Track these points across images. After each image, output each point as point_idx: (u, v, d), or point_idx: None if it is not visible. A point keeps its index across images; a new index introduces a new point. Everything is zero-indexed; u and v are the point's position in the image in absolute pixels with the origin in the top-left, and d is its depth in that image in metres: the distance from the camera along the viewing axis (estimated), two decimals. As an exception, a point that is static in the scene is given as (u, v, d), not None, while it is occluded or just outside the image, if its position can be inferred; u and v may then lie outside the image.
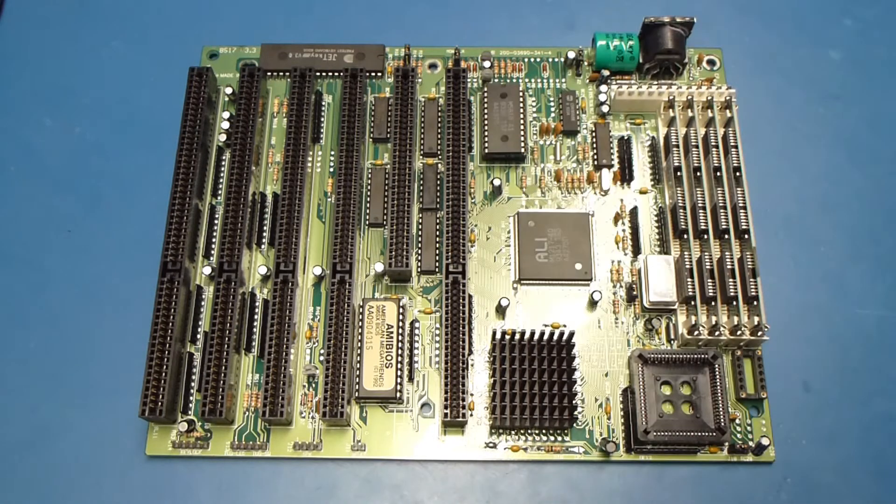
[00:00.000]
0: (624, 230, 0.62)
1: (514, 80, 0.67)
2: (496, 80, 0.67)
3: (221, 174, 0.64)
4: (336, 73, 0.67)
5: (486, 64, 0.66)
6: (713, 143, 0.61)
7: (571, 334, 0.56)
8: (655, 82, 0.66)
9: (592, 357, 0.59)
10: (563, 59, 0.67)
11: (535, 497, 0.56)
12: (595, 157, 0.64)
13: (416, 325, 0.59)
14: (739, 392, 0.57)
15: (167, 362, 0.56)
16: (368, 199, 0.63)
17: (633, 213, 0.63)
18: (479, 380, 0.58)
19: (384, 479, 0.57)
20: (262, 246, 0.62)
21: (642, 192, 0.63)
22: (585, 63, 0.67)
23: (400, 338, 0.58)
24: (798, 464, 0.57)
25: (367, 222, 0.62)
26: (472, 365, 0.58)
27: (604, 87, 0.66)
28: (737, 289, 0.57)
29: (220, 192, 0.63)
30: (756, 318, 0.57)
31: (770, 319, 0.57)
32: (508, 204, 0.63)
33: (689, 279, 0.58)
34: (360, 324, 0.58)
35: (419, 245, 0.61)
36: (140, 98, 0.68)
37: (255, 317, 0.60)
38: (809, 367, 0.60)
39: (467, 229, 0.60)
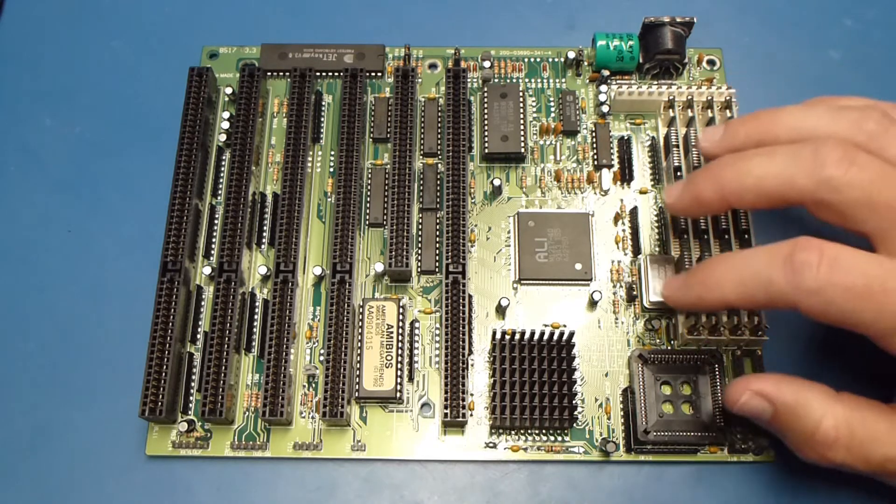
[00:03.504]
0: (624, 230, 0.62)
1: (514, 80, 0.67)
2: (496, 80, 0.67)
3: (221, 174, 0.64)
4: (336, 73, 0.67)
5: (486, 64, 0.66)
6: (713, 143, 0.61)
7: (571, 334, 0.56)
8: (655, 82, 0.66)
9: (592, 357, 0.59)
10: (563, 59, 0.67)
11: (535, 497, 0.56)
12: (595, 157, 0.64)
13: (416, 325, 0.59)
14: (739, 392, 0.57)
15: (167, 362, 0.56)
16: (368, 199, 0.63)
17: (633, 213, 0.63)
18: (479, 380, 0.58)
19: (384, 479, 0.57)
20: (262, 246, 0.62)
21: (642, 192, 0.63)
22: (585, 63, 0.67)
23: (400, 338, 0.58)
24: (798, 464, 0.57)
25: (367, 222, 0.62)
26: (472, 365, 0.58)
27: (604, 87, 0.66)
28: (737, 289, 0.57)
29: (220, 192, 0.63)
30: (756, 318, 0.57)
31: (770, 319, 0.57)
32: (508, 204, 0.63)
33: (689, 279, 0.58)
34: (360, 324, 0.58)
35: (419, 245, 0.61)
36: (140, 98, 0.68)
37: (255, 317, 0.60)
38: (809, 367, 0.60)
39: (467, 229, 0.60)
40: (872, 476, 0.49)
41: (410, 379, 0.58)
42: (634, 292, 0.60)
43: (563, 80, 0.67)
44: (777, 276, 0.46)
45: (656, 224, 0.62)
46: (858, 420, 0.47)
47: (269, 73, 0.67)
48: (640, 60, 0.66)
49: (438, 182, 0.63)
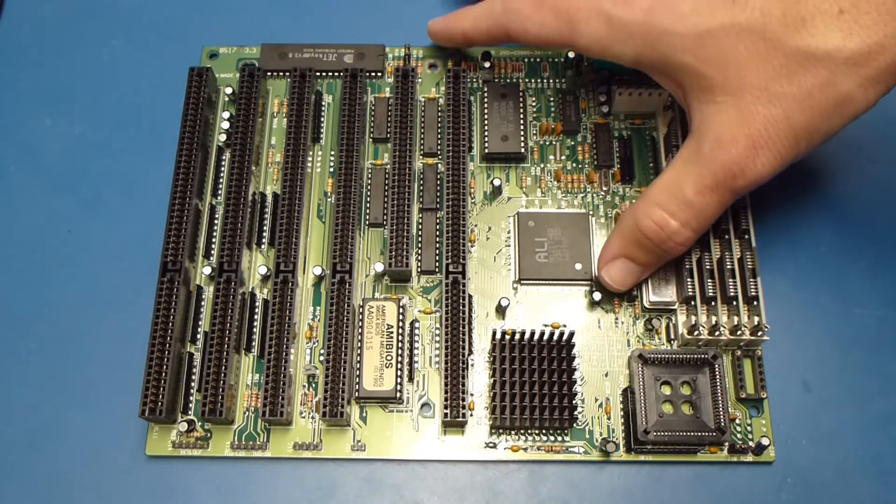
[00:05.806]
0: (624, 230, 0.62)
1: (514, 80, 0.67)
2: (496, 80, 0.67)
3: (221, 174, 0.64)
4: (336, 73, 0.67)
5: (486, 64, 0.66)
6: (713, 143, 0.61)
7: (571, 334, 0.56)
8: (655, 82, 0.65)
9: (592, 357, 0.59)
10: (562, 59, 0.67)
11: (535, 497, 0.56)
12: (595, 157, 0.64)
13: (416, 325, 0.59)
14: (739, 392, 0.57)
15: (167, 362, 0.56)
16: (368, 199, 0.63)
17: (633, 213, 0.63)
18: (479, 380, 0.58)
19: (384, 479, 0.57)
20: (262, 246, 0.62)
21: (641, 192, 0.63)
22: (585, 63, 0.67)
23: (400, 338, 0.58)
24: (798, 464, 0.57)
25: (367, 222, 0.62)
26: (472, 365, 0.58)
27: (604, 87, 0.66)
28: (737, 289, 0.57)
29: (220, 192, 0.63)
30: (756, 318, 0.57)
31: (770, 319, 0.57)
32: (508, 204, 0.63)
33: (689, 279, 0.58)
34: (360, 324, 0.58)
35: (419, 245, 0.61)
36: (140, 98, 0.68)
37: (255, 317, 0.60)
38: (809, 367, 0.60)
39: (467, 229, 0.60)
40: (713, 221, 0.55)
41: (410, 379, 0.58)
42: (634, 292, 0.60)
43: (563, 80, 0.67)
44: (497, 8, 0.60)
45: (656, 224, 0.62)
46: (663, 195, 0.54)
47: (269, 73, 0.67)
48: (640, 60, 0.65)
49: (438, 182, 0.63)
